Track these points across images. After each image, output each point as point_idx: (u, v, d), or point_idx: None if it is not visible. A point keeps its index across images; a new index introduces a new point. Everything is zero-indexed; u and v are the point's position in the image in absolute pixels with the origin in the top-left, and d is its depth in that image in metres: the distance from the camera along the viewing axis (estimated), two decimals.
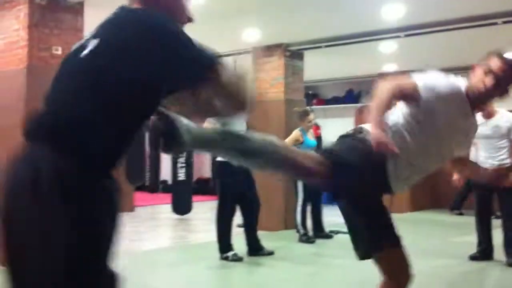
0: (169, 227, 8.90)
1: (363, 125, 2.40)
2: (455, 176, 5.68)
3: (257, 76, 8.41)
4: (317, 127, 9.16)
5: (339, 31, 7.39)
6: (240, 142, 2.12)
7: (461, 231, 6.36)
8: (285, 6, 6.26)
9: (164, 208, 10.76)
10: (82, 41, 1.69)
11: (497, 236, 5.52)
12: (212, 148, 2.16)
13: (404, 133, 2.26)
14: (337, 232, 7.11)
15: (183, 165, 9.30)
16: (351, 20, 6.80)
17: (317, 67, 9.56)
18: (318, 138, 8.39)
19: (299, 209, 6.77)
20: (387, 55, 8.94)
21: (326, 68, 10.26)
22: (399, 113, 2.33)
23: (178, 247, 6.81)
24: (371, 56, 9.02)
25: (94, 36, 1.63)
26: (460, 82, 2.39)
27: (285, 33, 7.60)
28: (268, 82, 8.27)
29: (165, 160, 13.61)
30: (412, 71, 9.30)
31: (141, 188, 13.03)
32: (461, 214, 9.45)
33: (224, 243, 5.63)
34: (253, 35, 7.47)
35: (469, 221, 6.08)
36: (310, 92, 11.94)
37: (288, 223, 7.82)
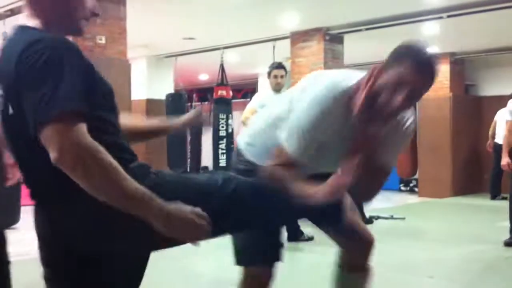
0: None
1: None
2: (504, 161, 5.55)
3: (296, 61, 8.40)
4: None
5: (379, 13, 7.29)
6: None
7: (503, 216, 6.26)
8: None
9: None
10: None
11: None
12: None
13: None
14: (377, 218, 7.07)
15: (224, 151, 9.38)
16: (391, 1, 6.70)
17: (357, 51, 9.46)
18: None
19: None
20: (429, 37, 8.76)
21: (367, 52, 10.13)
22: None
23: None
24: (413, 38, 8.84)
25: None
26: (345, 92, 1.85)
27: (324, 16, 7.54)
28: (307, 67, 8.23)
29: (206, 146, 13.75)
30: (455, 53, 9.13)
31: None
32: (504, 198, 9.25)
33: None
34: (291, 19, 7.44)
35: None
36: None
37: None
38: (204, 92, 15.40)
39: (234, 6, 6.79)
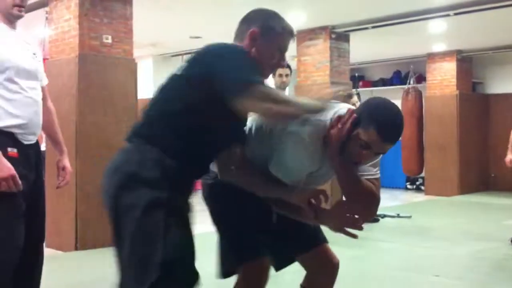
0: None
1: None
2: (508, 158, 5.54)
3: (301, 60, 8.39)
4: None
5: (386, 11, 7.27)
6: None
7: (510, 214, 6.24)
8: None
9: None
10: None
11: None
12: None
13: None
14: (384, 216, 7.06)
15: None
16: None
17: (363, 49, 9.44)
18: None
19: None
20: (436, 34, 8.74)
21: (373, 50, 10.11)
22: None
23: None
24: (419, 36, 8.84)
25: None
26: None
27: (330, 15, 7.53)
28: (313, 65, 8.23)
29: None
30: (462, 51, 9.11)
31: None
32: None
33: None
34: (297, 18, 7.43)
35: None
36: (356, 74, 11.80)
37: None
38: None
39: (240, 4, 6.77)
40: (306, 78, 8.32)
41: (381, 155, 2.05)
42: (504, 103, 9.83)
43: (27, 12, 2.60)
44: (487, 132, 10.84)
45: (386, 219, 7.04)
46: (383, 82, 12.05)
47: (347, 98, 6.72)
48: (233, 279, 2.26)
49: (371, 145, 1.92)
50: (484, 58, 10.81)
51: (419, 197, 10.33)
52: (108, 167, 1.93)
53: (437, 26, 8.04)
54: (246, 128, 2.12)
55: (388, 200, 8.50)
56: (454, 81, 10.43)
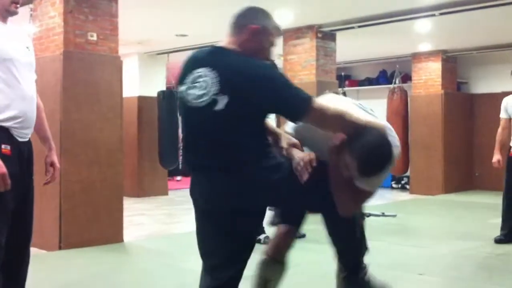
0: None
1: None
2: (495, 158, 5.56)
3: (288, 58, 8.39)
4: None
5: (372, 11, 7.29)
6: None
7: (495, 213, 6.29)
8: None
9: None
10: (202, 91, 2.17)
11: None
12: None
13: None
14: (369, 215, 7.08)
15: None
16: None
17: (350, 48, 9.47)
18: None
19: None
20: (421, 34, 8.79)
21: (359, 49, 10.15)
22: None
23: None
24: (405, 35, 8.88)
25: (219, 91, 2.12)
26: None
27: (317, 14, 7.54)
28: (299, 64, 8.24)
29: None
30: (447, 51, 9.18)
31: (174, 171, 13.17)
32: None
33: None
34: (284, 16, 7.43)
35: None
36: (343, 73, 11.84)
37: None
38: None
39: (226, 3, 6.76)
40: (293, 77, 8.31)
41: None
42: (489, 103, 9.90)
43: None
44: (471, 132, 10.93)
45: (372, 217, 7.06)
46: (369, 82, 12.10)
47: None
48: None
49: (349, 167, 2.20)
50: (468, 58, 10.89)
51: (404, 196, 10.39)
52: (228, 192, 2.21)
53: (423, 26, 8.08)
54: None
55: (373, 199, 8.53)
56: (439, 80, 10.50)
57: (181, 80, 2.30)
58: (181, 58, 9.53)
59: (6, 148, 2.40)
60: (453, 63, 10.87)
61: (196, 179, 2.33)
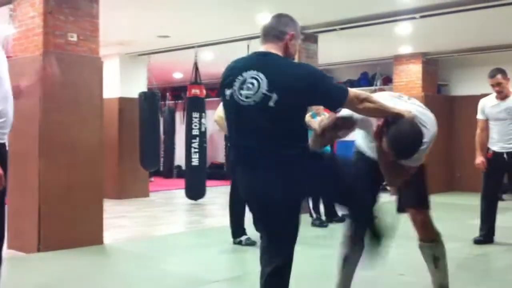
0: (183, 212, 8.97)
1: None
2: (479, 160, 5.60)
3: None
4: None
5: (353, 13, 7.33)
6: None
7: (474, 214, 6.35)
8: None
9: (178, 193, 10.84)
10: (253, 91, 2.47)
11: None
12: None
13: None
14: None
15: (197, 150, 9.34)
16: (365, 1, 6.74)
17: (332, 50, 9.50)
18: None
19: None
20: (402, 37, 8.86)
21: (341, 51, 10.19)
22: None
23: (193, 232, 6.86)
24: (386, 38, 8.94)
25: (269, 90, 2.42)
26: None
27: (299, 16, 7.49)
28: None
29: (179, 145, 13.66)
30: (427, 53, 9.26)
31: (155, 173, 13.11)
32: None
33: (237, 228, 5.65)
34: (266, 19, 7.41)
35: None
36: None
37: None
38: (178, 91, 15.30)
39: (208, 3, 6.76)
40: None
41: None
42: (469, 105, 9.94)
43: None
44: (452, 133, 11.03)
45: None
46: (351, 83, 12.13)
47: None
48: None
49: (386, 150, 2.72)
50: (449, 60, 11.00)
51: (385, 198, 10.42)
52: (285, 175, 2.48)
53: (404, 28, 8.14)
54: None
55: None
56: (420, 83, 10.59)
57: (229, 84, 2.57)
58: (162, 59, 9.53)
59: None
60: (434, 66, 10.97)
61: (246, 174, 2.58)
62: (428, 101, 10.45)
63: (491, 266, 5.13)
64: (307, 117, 6.56)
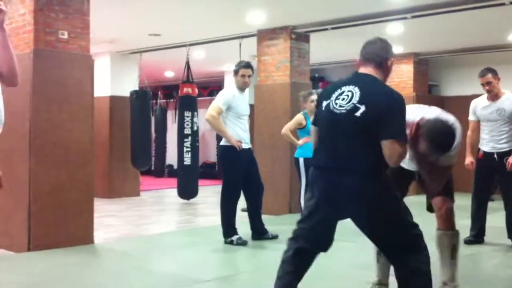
0: (175, 211, 8.95)
1: None
2: (468, 160, 5.62)
3: (262, 59, 8.39)
4: None
5: (345, 13, 7.34)
6: None
7: (465, 214, 6.36)
8: None
9: (169, 193, 10.81)
10: (346, 101, 2.79)
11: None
12: None
13: None
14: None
15: (189, 149, 9.32)
16: (357, 1, 6.75)
17: (324, 50, 9.51)
18: None
19: (302, 192, 6.74)
20: (393, 37, 8.86)
21: (333, 51, 10.20)
22: None
23: (184, 231, 6.84)
24: (379, 35, 8.94)
25: (360, 102, 2.74)
26: None
27: (291, 15, 7.56)
28: (273, 65, 8.24)
29: (171, 144, 13.63)
30: (419, 53, 9.28)
31: (147, 172, 13.07)
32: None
33: (229, 227, 5.64)
34: (258, 17, 7.43)
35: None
36: (316, 75, 11.88)
37: (292, 207, 7.85)
38: (169, 90, 15.27)
39: (200, 2, 6.74)
40: (266, 77, 8.33)
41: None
42: (459, 106, 9.95)
43: None
44: None
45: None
46: None
47: (306, 96, 6.76)
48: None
49: (425, 151, 3.00)
50: (440, 61, 11.04)
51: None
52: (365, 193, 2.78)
53: (395, 28, 8.16)
54: None
55: None
56: (411, 83, 10.62)
57: (327, 96, 2.88)
58: (154, 58, 9.51)
59: None
60: (425, 66, 11.01)
61: (325, 179, 2.82)
62: (419, 101, 10.48)
63: (482, 266, 5.15)
64: (299, 116, 6.60)
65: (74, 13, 5.50)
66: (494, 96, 5.45)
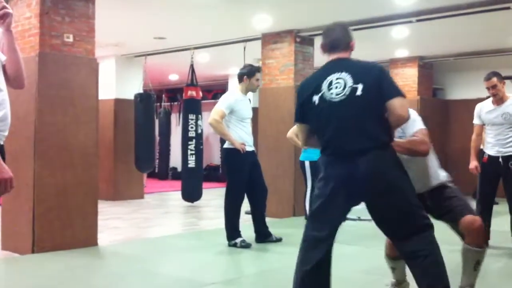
0: (179, 214, 8.96)
1: None
2: (472, 165, 5.61)
3: (266, 63, 8.40)
4: None
5: (350, 17, 7.33)
6: None
7: None
8: None
9: (174, 195, 10.82)
10: (342, 86, 2.88)
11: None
12: None
13: None
14: (345, 219, 7.10)
15: (193, 152, 9.33)
16: (362, 5, 6.76)
17: None
18: None
19: (308, 195, 6.75)
20: (398, 40, 8.88)
21: None
22: None
23: (188, 234, 6.85)
24: (383, 41, 8.96)
25: (356, 82, 2.85)
26: None
27: (296, 19, 7.57)
28: (277, 68, 8.25)
29: (175, 147, 13.65)
30: (423, 57, 9.26)
31: (151, 175, 13.10)
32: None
33: (233, 230, 5.65)
34: (262, 21, 7.44)
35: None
36: None
37: (296, 210, 7.85)
38: (173, 93, 15.30)
39: (205, 6, 6.76)
40: (271, 81, 8.34)
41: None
42: (464, 109, 10.02)
43: None
44: (447, 137, 11.06)
45: (347, 222, 7.08)
46: None
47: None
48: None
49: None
50: (444, 64, 11.03)
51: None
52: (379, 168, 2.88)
53: (400, 32, 8.16)
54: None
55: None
56: (415, 86, 10.62)
57: (315, 90, 2.92)
58: (158, 61, 9.53)
59: None
60: (429, 69, 11.00)
61: (342, 162, 2.87)
62: (423, 105, 10.50)
63: (486, 270, 5.13)
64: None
65: (79, 17, 5.53)
66: (499, 100, 5.44)
